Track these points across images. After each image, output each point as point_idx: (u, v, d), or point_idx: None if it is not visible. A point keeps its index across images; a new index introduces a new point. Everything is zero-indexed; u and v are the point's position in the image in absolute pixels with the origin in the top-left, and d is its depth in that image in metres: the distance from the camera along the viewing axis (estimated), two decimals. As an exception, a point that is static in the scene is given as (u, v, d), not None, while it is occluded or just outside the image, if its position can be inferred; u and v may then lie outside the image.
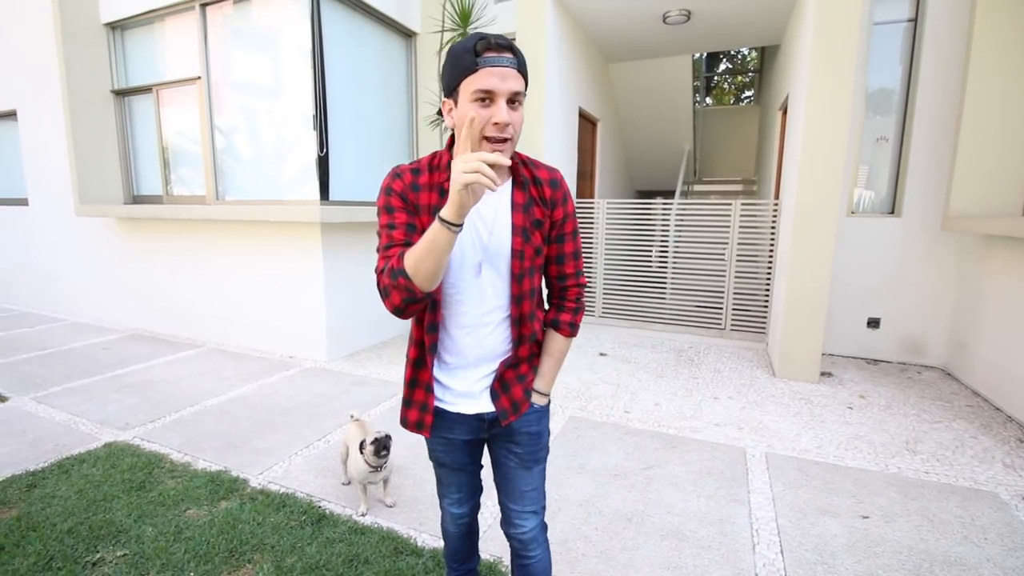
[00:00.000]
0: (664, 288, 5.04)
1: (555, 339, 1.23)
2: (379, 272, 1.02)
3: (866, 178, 4.26)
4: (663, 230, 5.17)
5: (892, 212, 4.16)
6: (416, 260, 0.93)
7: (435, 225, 0.90)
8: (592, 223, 5.27)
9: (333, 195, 4.04)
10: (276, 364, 4.03)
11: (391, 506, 2.14)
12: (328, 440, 2.73)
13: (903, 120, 4.07)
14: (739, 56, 13.83)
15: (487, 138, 0.99)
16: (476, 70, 0.96)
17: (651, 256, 5.13)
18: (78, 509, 2.08)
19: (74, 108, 4.69)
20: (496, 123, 0.97)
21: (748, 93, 13.87)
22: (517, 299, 1.13)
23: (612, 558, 1.84)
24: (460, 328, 1.13)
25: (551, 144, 4.63)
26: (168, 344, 4.59)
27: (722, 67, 14.04)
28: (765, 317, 4.64)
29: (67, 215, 5.39)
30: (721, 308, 4.78)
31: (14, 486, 2.25)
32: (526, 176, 1.12)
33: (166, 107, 4.64)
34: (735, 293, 4.72)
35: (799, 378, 3.71)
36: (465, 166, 0.84)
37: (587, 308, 5.24)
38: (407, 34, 4.84)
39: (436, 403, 1.18)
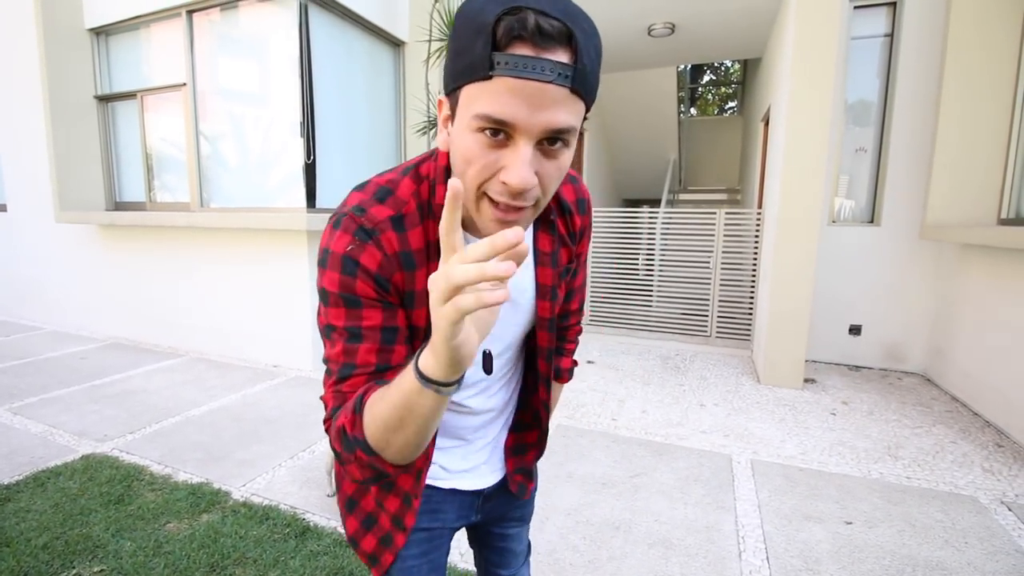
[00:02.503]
0: (650, 296, 5.08)
1: (554, 388, 0.94)
2: (326, 422, 0.62)
3: (846, 188, 4.35)
4: (649, 238, 5.22)
5: (872, 221, 4.25)
6: (384, 430, 0.54)
7: (411, 382, 0.49)
8: (579, 231, 5.30)
9: (320, 203, 4.02)
10: (261, 373, 3.97)
11: (377, 517, 2.11)
12: (313, 451, 2.69)
13: (881, 131, 4.17)
14: (722, 68, 14.09)
15: (491, 198, 0.55)
16: (489, 76, 0.49)
17: (637, 264, 5.17)
18: (54, 524, 2.02)
19: (55, 113, 4.61)
20: (505, 182, 0.52)
21: (731, 104, 14.12)
22: (547, 379, 0.79)
23: (599, 567, 1.84)
24: (451, 419, 0.79)
25: (539, 153, 4.65)
26: (149, 353, 4.51)
27: (706, 78, 14.29)
28: (750, 324, 4.70)
29: (47, 221, 5.28)
30: (707, 316, 4.83)
31: (-14, 501, 2.18)
32: (552, 208, 0.73)
33: (150, 113, 4.59)
34: (720, 301, 4.77)
35: (783, 385, 3.76)
36: (447, 283, 0.42)
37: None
38: (395, 43, 4.85)
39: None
